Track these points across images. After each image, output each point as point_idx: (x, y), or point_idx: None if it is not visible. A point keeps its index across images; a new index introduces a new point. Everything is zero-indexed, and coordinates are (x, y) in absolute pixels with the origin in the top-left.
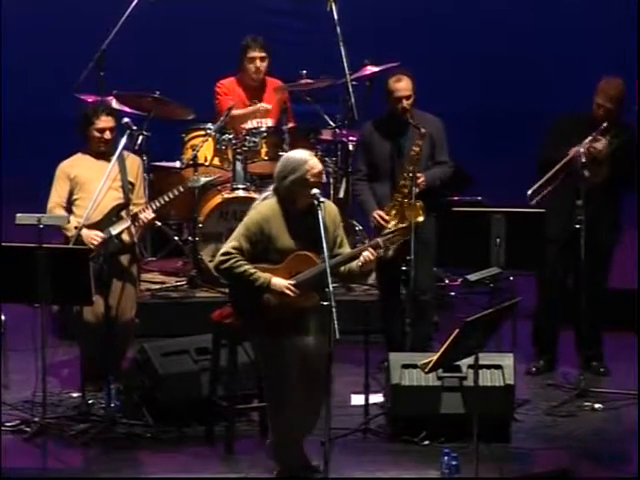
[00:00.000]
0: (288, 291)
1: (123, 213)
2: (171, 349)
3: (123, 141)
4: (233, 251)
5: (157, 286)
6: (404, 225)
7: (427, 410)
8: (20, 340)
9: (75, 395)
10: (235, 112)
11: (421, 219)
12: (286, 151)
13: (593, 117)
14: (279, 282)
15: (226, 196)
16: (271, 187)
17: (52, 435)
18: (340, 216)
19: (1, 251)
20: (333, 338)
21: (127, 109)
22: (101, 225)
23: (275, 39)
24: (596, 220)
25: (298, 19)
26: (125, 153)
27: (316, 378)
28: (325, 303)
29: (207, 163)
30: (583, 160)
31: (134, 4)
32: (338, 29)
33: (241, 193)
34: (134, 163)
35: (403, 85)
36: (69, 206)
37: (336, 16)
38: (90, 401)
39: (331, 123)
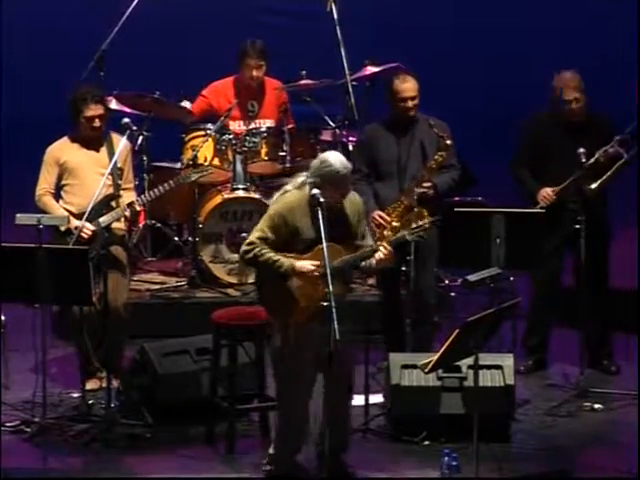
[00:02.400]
0: (313, 267)
1: (113, 203)
2: (171, 349)
3: (123, 141)
4: (257, 241)
5: (157, 286)
6: (430, 220)
7: (427, 410)
8: (20, 340)
9: (75, 395)
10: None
11: (426, 222)
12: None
13: (566, 115)
14: (303, 263)
15: (226, 196)
16: (303, 175)
17: (52, 435)
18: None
19: (1, 251)
20: (333, 338)
21: (127, 109)
22: (91, 214)
23: (275, 39)
24: (589, 220)
25: (298, 19)
26: (114, 136)
27: (335, 375)
28: (325, 303)
29: (207, 163)
30: (583, 160)
31: (134, 4)
32: (338, 29)
33: (241, 193)
34: (121, 146)
35: (409, 86)
36: (57, 191)
37: (336, 16)
38: (90, 401)
39: (331, 124)
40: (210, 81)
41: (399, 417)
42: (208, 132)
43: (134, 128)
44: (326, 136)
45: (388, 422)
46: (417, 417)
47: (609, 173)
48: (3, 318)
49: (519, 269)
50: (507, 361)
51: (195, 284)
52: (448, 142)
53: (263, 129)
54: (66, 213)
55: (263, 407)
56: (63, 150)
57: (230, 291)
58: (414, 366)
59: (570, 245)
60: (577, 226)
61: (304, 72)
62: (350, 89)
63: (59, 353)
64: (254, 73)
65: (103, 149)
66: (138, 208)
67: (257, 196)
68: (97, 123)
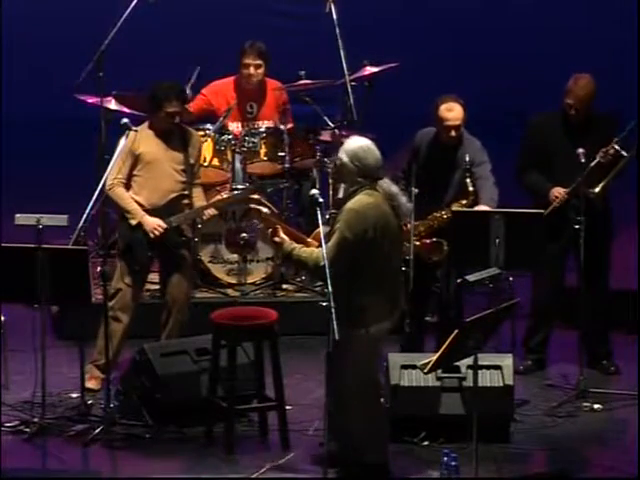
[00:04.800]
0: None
1: (185, 201)
2: (170, 350)
3: (122, 141)
4: None
5: (156, 287)
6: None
7: (426, 410)
8: (19, 341)
9: (74, 396)
10: None
11: (436, 259)
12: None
13: (566, 115)
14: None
15: (225, 197)
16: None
17: (52, 435)
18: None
19: (1, 252)
20: (332, 339)
21: (126, 109)
22: (161, 212)
23: (275, 40)
24: (592, 220)
25: (298, 20)
26: (191, 132)
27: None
28: (324, 303)
29: (206, 164)
30: (582, 160)
31: (133, 4)
32: (337, 30)
33: (232, 195)
34: (196, 143)
35: (454, 115)
36: (127, 181)
37: (335, 17)
38: (89, 401)
39: (330, 124)
40: (210, 81)
41: (399, 417)
42: (207, 132)
43: (133, 128)
44: (325, 136)
45: (388, 422)
46: (416, 417)
47: (611, 174)
48: (3, 318)
49: (518, 270)
50: (506, 361)
51: (194, 284)
52: (470, 189)
53: (262, 129)
54: (137, 207)
55: (262, 407)
56: (140, 140)
57: (229, 291)
58: (413, 366)
59: (573, 245)
60: (577, 226)
61: (303, 72)
62: (349, 89)
63: (58, 353)
64: (252, 71)
65: (180, 145)
66: (212, 213)
67: (256, 196)
68: (177, 119)
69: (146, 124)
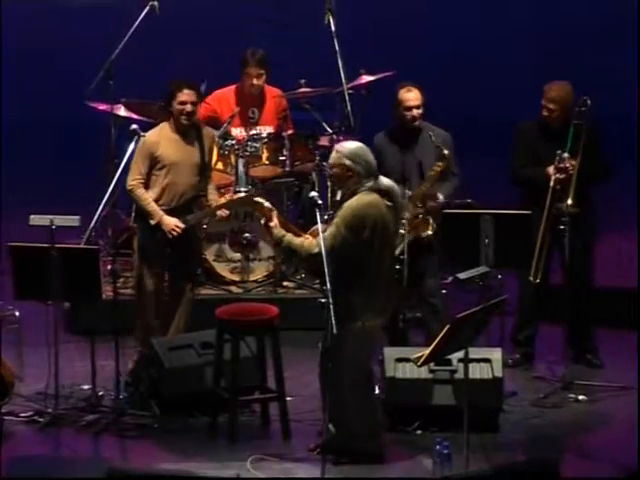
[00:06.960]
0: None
1: (199, 200)
2: (177, 344)
3: (131, 147)
4: None
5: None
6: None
7: (420, 401)
8: (34, 335)
9: (86, 387)
10: None
11: (429, 233)
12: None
13: (545, 123)
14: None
15: (238, 196)
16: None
17: (64, 425)
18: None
19: (16, 251)
20: (330, 333)
21: (135, 116)
22: (177, 211)
23: (276, 50)
24: (576, 219)
25: (298, 31)
26: (207, 130)
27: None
28: (323, 300)
29: None
30: (567, 165)
31: (143, 14)
32: (335, 41)
33: (243, 195)
34: (210, 139)
35: (413, 95)
36: (146, 181)
37: (333, 28)
38: (100, 393)
39: (328, 130)
40: (214, 89)
41: (393, 407)
42: None
43: (142, 134)
44: (324, 141)
45: (383, 412)
46: (410, 408)
47: (573, 183)
48: (17, 314)
49: (506, 268)
50: (495, 355)
51: (199, 282)
52: (445, 152)
53: (264, 135)
54: (156, 208)
55: (264, 398)
56: (159, 142)
57: (233, 288)
58: (407, 359)
59: (557, 244)
60: (561, 226)
61: (303, 81)
62: (347, 97)
63: (70, 348)
64: (254, 82)
65: (196, 143)
66: (224, 214)
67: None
68: (189, 108)
69: (165, 124)
